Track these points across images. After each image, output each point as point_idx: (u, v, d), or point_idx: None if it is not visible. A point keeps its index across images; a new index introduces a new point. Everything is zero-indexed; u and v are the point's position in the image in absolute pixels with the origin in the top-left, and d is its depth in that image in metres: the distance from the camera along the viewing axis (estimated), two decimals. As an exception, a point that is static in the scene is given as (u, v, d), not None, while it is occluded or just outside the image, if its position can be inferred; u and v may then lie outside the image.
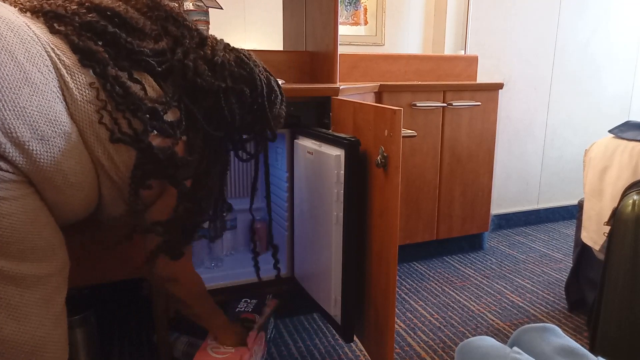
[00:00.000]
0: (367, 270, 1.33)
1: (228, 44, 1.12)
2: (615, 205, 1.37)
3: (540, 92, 2.77)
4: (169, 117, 0.98)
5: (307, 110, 1.64)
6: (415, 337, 1.67)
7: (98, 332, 1.43)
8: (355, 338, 1.42)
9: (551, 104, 2.81)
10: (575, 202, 2.82)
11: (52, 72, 0.84)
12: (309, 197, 1.51)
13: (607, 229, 1.38)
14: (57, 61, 0.85)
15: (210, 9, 1.62)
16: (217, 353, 1.29)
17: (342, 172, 1.28)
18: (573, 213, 2.96)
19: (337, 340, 1.62)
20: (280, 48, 2.12)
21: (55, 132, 0.83)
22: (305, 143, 1.49)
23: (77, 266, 1.14)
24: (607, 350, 1.35)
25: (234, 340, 1.32)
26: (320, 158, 1.38)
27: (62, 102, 0.85)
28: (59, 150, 0.84)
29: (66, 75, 0.86)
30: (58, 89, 0.85)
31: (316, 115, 1.63)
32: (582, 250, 1.78)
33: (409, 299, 1.95)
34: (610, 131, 1.67)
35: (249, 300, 1.53)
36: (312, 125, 1.61)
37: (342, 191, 1.29)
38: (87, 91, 0.88)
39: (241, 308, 1.48)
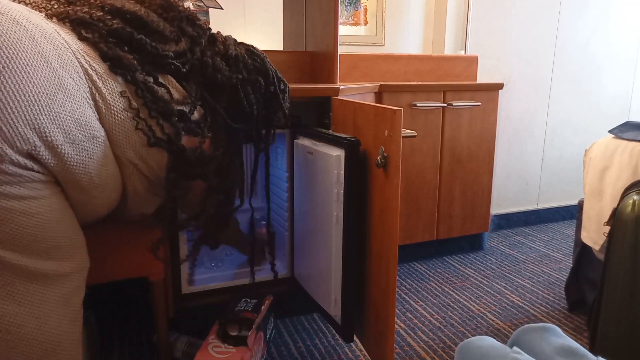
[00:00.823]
0: (367, 270, 1.33)
1: (235, 39, 1.17)
2: (615, 206, 1.37)
3: (540, 92, 2.77)
4: (194, 115, 1.03)
5: (307, 110, 1.64)
6: (415, 337, 1.67)
7: (98, 332, 1.43)
8: (355, 338, 1.42)
9: (551, 104, 2.81)
10: (575, 202, 2.82)
11: (82, 79, 0.87)
12: (309, 197, 1.51)
13: (607, 229, 1.38)
14: (88, 68, 0.88)
15: (210, 9, 1.62)
16: (218, 353, 1.29)
17: (342, 172, 1.28)
18: (573, 213, 2.96)
19: (337, 340, 1.62)
20: (280, 48, 2.12)
21: (85, 136, 0.86)
22: (305, 143, 1.49)
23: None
24: (607, 350, 1.35)
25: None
26: (320, 158, 1.38)
27: (91, 108, 0.88)
28: (88, 154, 0.87)
29: (98, 81, 0.89)
30: (89, 94, 0.88)
31: (316, 115, 1.63)
32: (582, 250, 1.78)
33: (409, 299, 1.95)
34: (610, 131, 1.67)
35: (249, 300, 1.53)
36: (312, 125, 1.61)
37: (342, 191, 1.29)
38: (118, 98, 0.91)
39: (241, 308, 1.48)
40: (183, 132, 0.99)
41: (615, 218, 1.34)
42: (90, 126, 0.87)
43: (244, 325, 1.39)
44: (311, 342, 1.62)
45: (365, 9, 2.52)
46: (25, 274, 0.80)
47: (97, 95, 0.88)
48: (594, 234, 1.64)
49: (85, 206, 0.94)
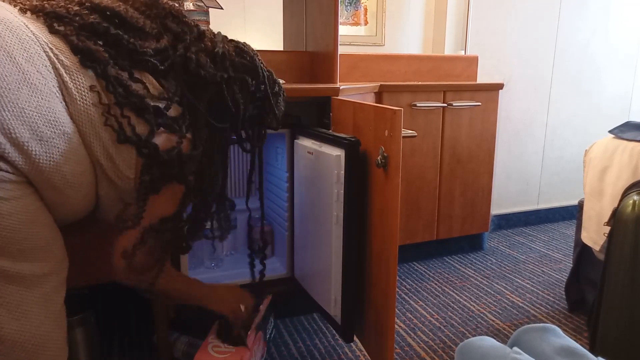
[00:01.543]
0: (367, 270, 1.33)
1: (226, 36, 1.12)
2: (615, 206, 1.37)
3: (540, 92, 2.77)
4: (172, 113, 0.98)
5: (307, 110, 1.64)
6: (415, 337, 1.67)
7: (98, 332, 1.42)
8: (355, 338, 1.42)
9: (551, 104, 2.81)
10: (575, 202, 2.82)
11: (50, 73, 0.84)
12: (309, 197, 1.51)
13: (607, 229, 1.38)
14: (56, 61, 0.85)
15: (210, 9, 1.62)
16: (217, 353, 1.29)
17: (342, 172, 1.28)
18: (573, 213, 2.96)
19: (337, 340, 1.62)
20: (280, 48, 2.12)
21: (55, 132, 0.83)
22: (305, 143, 1.49)
23: (77, 266, 1.14)
24: (607, 350, 1.35)
25: (234, 302, 1.33)
26: (321, 158, 1.38)
27: (61, 103, 0.85)
28: (58, 151, 0.84)
29: (65, 75, 0.85)
30: (57, 89, 0.85)
31: (316, 115, 1.63)
32: (582, 251, 1.78)
33: (409, 299, 1.95)
34: (610, 131, 1.67)
35: (249, 300, 1.52)
36: (312, 125, 1.61)
37: (342, 191, 1.29)
38: (87, 92, 0.87)
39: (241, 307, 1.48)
40: (160, 128, 0.95)
41: (615, 218, 1.34)
42: (60, 122, 0.84)
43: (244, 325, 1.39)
44: (311, 342, 1.62)
45: (365, 9, 2.52)
46: (2, 276, 0.79)
47: (64, 89, 0.85)
48: (594, 234, 1.64)
49: (63, 206, 0.91)
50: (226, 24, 2.13)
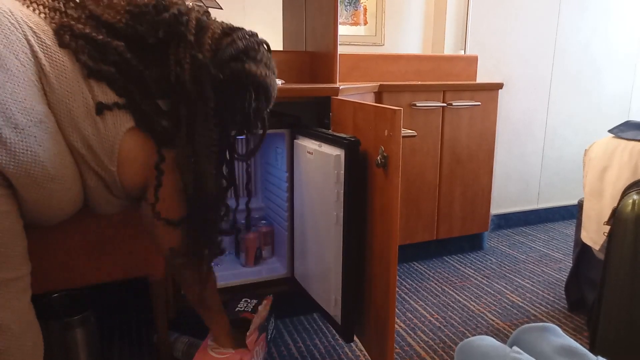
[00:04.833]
0: (367, 270, 1.33)
1: (227, 30, 1.04)
2: (615, 205, 1.37)
3: (540, 92, 2.77)
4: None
5: (307, 110, 1.64)
6: (415, 337, 1.67)
7: (98, 332, 1.42)
8: (355, 338, 1.42)
9: (551, 104, 2.81)
10: (575, 202, 2.81)
11: (31, 60, 0.83)
12: (309, 197, 1.51)
13: (607, 228, 1.38)
14: (35, 44, 0.84)
15: (210, 9, 1.62)
16: (217, 353, 1.29)
17: (342, 172, 1.28)
18: (573, 213, 2.96)
19: (337, 340, 1.62)
20: (280, 48, 2.12)
21: (31, 121, 0.81)
22: (305, 143, 1.49)
23: (76, 266, 1.15)
24: (607, 350, 1.35)
25: (232, 344, 1.32)
26: (320, 158, 1.38)
27: (39, 91, 0.84)
28: (36, 140, 0.82)
29: (44, 59, 0.84)
30: (36, 78, 0.83)
31: (316, 115, 1.63)
32: (582, 250, 1.78)
33: (409, 299, 1.95)
34: (610, 131, 1.67)
35: (249, 300, 1.53)
36: (312, 125, 1.61)
37: (342, 191, 1.29)
38: (64, 72, 0.86)
39: (241, 308, 1.48)
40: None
41: (615, 218, 1.34)
42: (36, 111, 0.82)
43: (244, 326, 1.39)
44: (311, 342, 1.62)
45: (365, 9, 2.52)
46: None
47: (43, 77, 0.84)
48: (594, 234, 1.64)
49: (49, 203, 0.89)
50: (226, 24, 2.13)
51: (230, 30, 1.03)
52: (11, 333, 0.85)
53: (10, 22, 0.82)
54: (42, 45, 0.85)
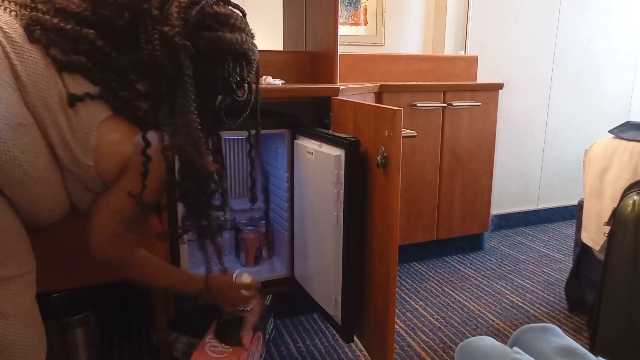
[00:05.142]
0: (367, 270, 1.33)
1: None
2: (615, 206, 1.37)
3: (540, 92, 2.77)
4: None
5: (307, 110, 1.64)
6: (415, 337, 1.67)
7: (98, 332, 1.42)
8: (355, 338, 1.42)
9: (551, 104, 2.81)
10: (575, 202, 2.81)
11: (3, 61, 0.82)
12: (309, 197, 1.51)
13: (607, 229, 1.38)
14: (7, 45, 0.82)
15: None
16: (215, 352, 1.29)
17: (342, 172, 1.28)
18: (573, 213, 2.96)
19: (337, 340, 1.62)
20: (280, 48, 2.12)
21: (7, 124, 0.80)
22: (305, 143, 1.49)
23: (77, 266, 1.14)
24: (607, 350, 1.35)
25: (236, 300, 1.27)
26: (321, 158, 1.38)
27: (15, 92, 0.83)
28: (14, 143, 0.81)
29: (15, 59, 0.83)
30: (11, 78, 0.82)
31: (316, 115, 1.63)
32: (582, 251, 1.78)
33: (409, 299, 1.95)
34: (610, 131, 1.67)
35: (249, 300, 1.52)
36: (312, 125, 1.61)
37: (342, 191, 1.29)
38: (37, 70, 0.85)
39: (240, 307, 1.48)
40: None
41: (615, 218, 1.34)
42: (13, 113, 0.81)
43: (242, 325, 1.39)
44: (311, 342, 1.62)
45: (365, 9, 2.52)
46: None
47: (17, 77, 0.83)
48: (594, 234, 1.64)
49: (34, 204, 0.88)
50: (226, 24, 2.13)
51: None
52: (16, 327, 0.86)
53: None
54: (13, 45, 0.84)
